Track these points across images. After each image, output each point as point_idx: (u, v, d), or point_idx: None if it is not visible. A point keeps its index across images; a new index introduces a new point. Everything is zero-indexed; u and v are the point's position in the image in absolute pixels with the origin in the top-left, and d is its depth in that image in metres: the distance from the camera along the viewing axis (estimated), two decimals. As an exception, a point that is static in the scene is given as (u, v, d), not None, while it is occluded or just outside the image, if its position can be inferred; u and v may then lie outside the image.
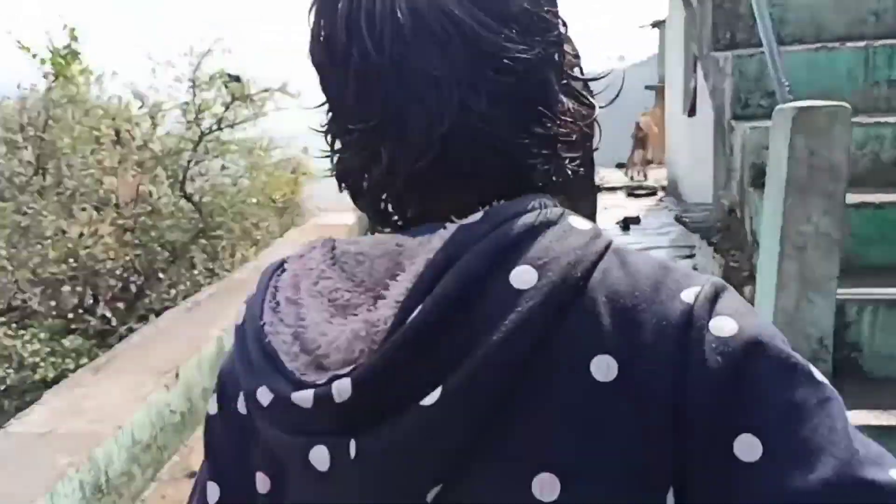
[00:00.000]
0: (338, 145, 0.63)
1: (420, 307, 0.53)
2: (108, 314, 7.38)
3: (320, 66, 0.61)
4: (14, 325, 6.80)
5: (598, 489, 0.52)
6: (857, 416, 2.30)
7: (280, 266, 0.65)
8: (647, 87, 22.59)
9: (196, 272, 8.71)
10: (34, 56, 8.55)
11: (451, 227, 0.56)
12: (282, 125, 10.77)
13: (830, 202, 2.42)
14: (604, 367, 0.53)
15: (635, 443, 0.52)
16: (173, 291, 8.40)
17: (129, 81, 9.22)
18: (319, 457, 0.57)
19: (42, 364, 6.18)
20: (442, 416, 0.52)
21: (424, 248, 0.57)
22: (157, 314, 6.85)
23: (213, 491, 0.69)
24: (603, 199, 12.41)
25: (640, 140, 15.51)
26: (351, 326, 0.56)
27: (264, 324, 0.62)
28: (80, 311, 7.51)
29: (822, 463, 0.50)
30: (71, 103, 8.23)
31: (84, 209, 7.90)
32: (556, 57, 0.61)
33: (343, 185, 0.64)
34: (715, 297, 0.55)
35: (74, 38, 8.68)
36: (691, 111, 10.45)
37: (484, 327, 0.52)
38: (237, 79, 9.21)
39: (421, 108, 0.56)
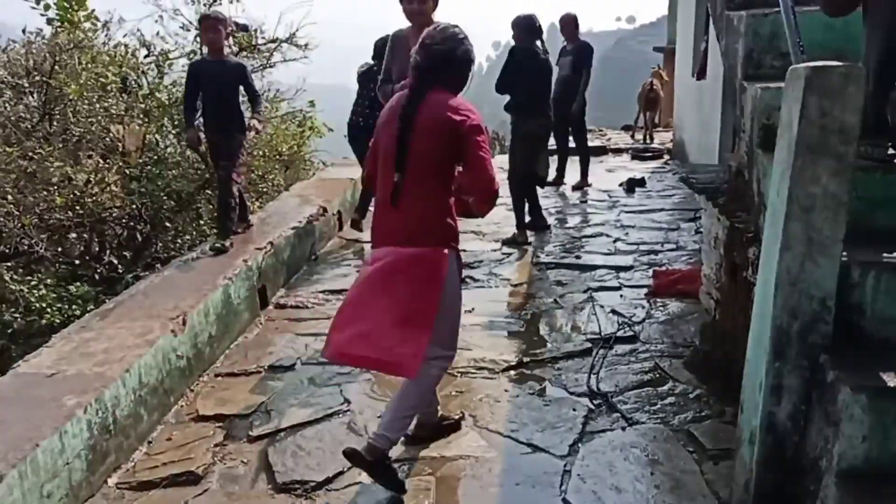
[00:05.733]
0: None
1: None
2: (115, 261, 7.42)
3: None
4: (20, 270, 6.82)
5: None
6: (858, 378, 2.33)
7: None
8: (655, 49, 22.35)
9: (202, 222, 8.71)
10: (38, 2, 8.45)
11: None
12: (289, 77, 10.66)
13: (840, 164, 2.42)
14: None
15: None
16: (179, 241, 8.42)
17: (135, 28, 9.14)
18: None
19: (49, 310, 6.21)
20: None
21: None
22: (164, 263, 6.89)
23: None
24: (608, 161, 12.34)
25: (651, 101, 14.88)
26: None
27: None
28: (87, 258, 7.54)
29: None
30: (77, 49, 8.15)
31: (90, 156, 7.89)
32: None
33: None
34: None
35: (77, -16, 8.58)
36: (700, 74, 10.33)
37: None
38: (245, 28, 9.10)
39: None
